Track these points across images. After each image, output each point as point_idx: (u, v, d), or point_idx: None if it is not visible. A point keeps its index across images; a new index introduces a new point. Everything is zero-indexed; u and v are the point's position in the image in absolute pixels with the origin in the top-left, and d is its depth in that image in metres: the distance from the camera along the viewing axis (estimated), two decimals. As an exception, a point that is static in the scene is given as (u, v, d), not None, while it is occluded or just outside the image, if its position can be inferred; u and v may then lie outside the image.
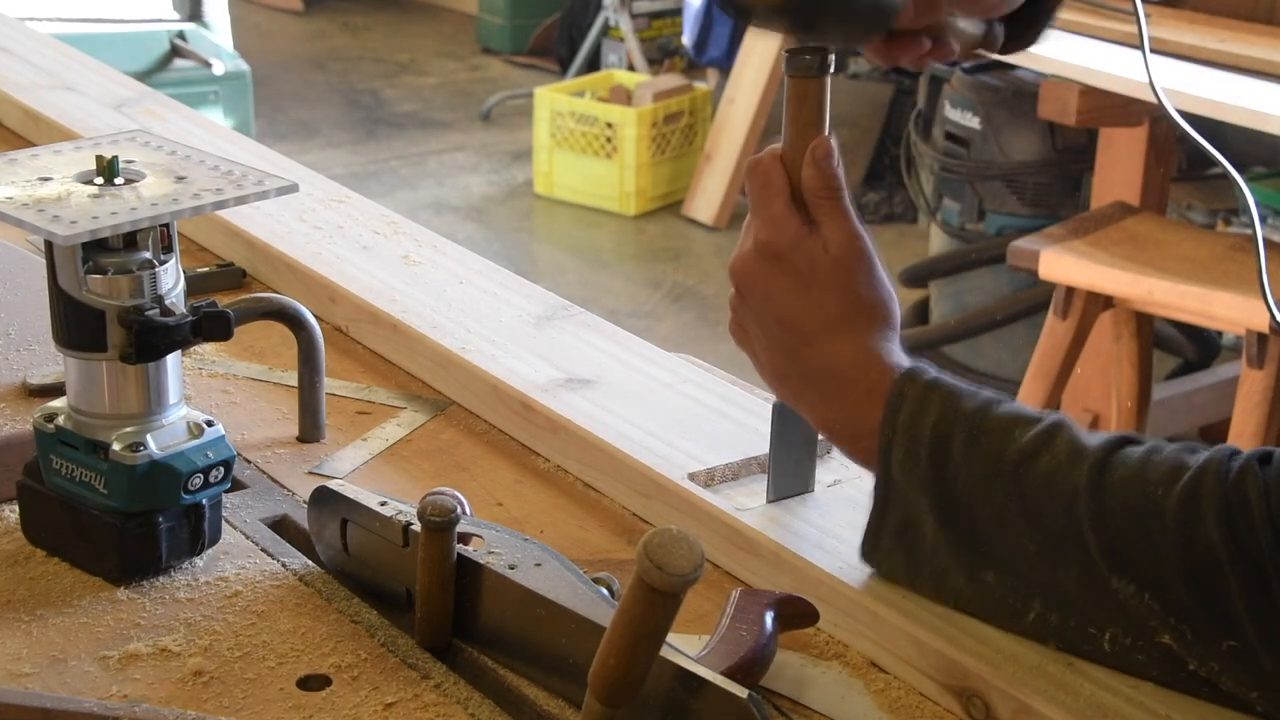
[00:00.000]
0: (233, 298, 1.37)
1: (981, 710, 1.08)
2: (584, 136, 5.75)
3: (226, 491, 1.25)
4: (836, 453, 1.36)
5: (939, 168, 4.30)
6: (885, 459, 1.13)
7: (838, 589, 1.16)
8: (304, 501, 1.26)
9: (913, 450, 1.12)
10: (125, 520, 1.19)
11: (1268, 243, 2.42)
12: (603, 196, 5.74)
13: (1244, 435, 3.15)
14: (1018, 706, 1.06)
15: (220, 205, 1.20)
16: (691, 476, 1.31)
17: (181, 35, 4.98)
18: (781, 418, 1.26)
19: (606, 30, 6.65)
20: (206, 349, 1.58)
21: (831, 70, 1.17)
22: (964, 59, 1.27)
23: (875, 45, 1.16)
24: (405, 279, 1.68)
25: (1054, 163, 4.18)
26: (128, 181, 1.20)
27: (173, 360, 1.21)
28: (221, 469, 1.22)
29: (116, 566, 1.20)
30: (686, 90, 5.90)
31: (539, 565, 1.11)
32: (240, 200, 1.21)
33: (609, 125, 5.70)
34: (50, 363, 1.51)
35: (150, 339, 1.17)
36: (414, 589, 1.13)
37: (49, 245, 1.16)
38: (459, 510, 1.10)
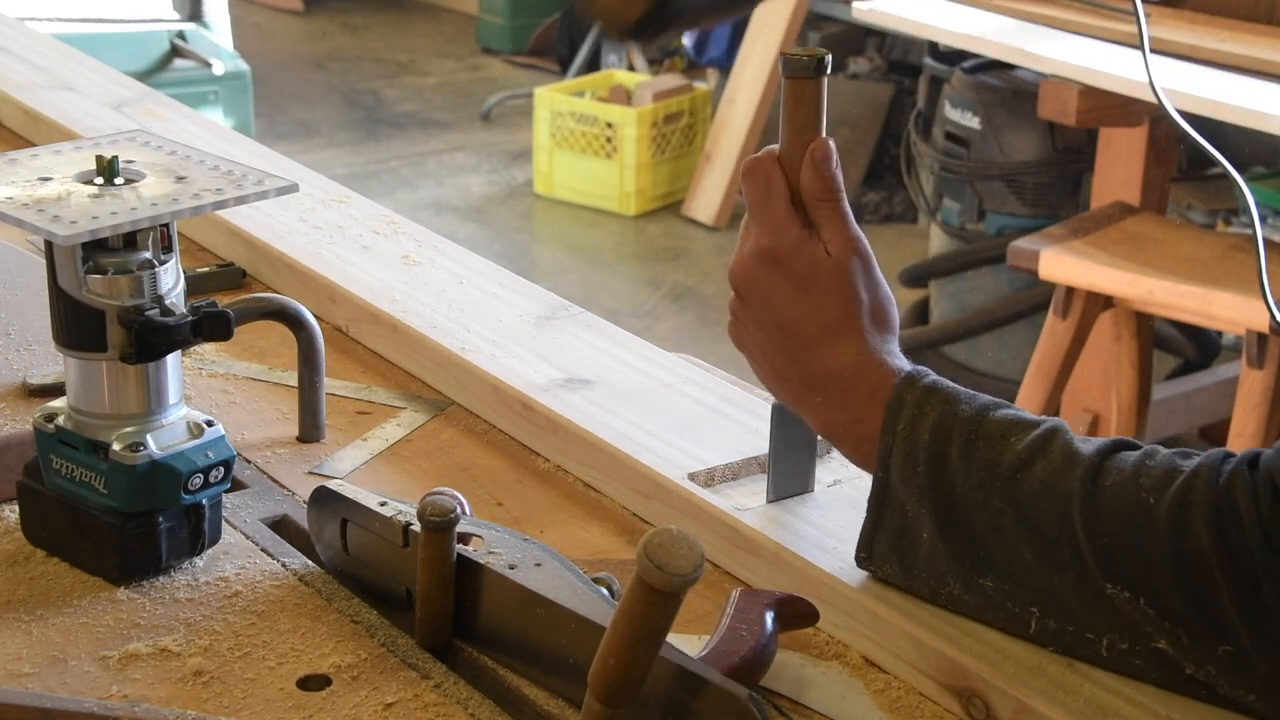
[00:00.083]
0: (233, 298, 1.37)
1: (981, 710, 1.08)
2: (584, 136, 5.75)
3: (226, 491, 1.25)
4: (836, 453, 1.35)
5: (939, 168, 4.30)
6: (884, 465, 1.14)
7: (838, 589, 1.16)
8: (304, 501, 1.26)
9: (911, 456, 1.12)
10: (125, 520, 1.19)
11: (1268, 243, 2.42)
12: (603, 196, 5.74)
13: (1244, 435, 3.15)
14: (1018, 706, 1.06)
15: (220, 205, 1.20)
16: (691, 476, 1.31)
17: (181, 35, 4.98)
18: (781, 418, 1.26)
19: (607, 30, 6.65)
20: (206, 349, 1.58)
21: (828, 71, 1.18)
22: None
23: None
24: (405, 279, 1.68)
25: (1054, 163, 4.18)
26: (128, 181, 1.20)
27: (173, 360, 1.21)
28: (221, 469, 1.22)
29: (116, 566, 1.20)
30: (686, 90, 5.90)
31: (539, 565, 1.11)
32: (240, 200, 1.21)
33: (609, 125, 5.70)
34: (50, 363, 1.51)
35: (150, 339, 1.17)
36: (414, 589, 1.13)
37: (49, 245, 1.16)
38: (459, 510, 1.10)
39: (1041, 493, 1.07)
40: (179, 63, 4.96)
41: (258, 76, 5.31)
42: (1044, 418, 1.12)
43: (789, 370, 1.18)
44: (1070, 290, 3.30)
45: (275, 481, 1.36)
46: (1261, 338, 3.11)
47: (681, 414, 1.41)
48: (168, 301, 1.19)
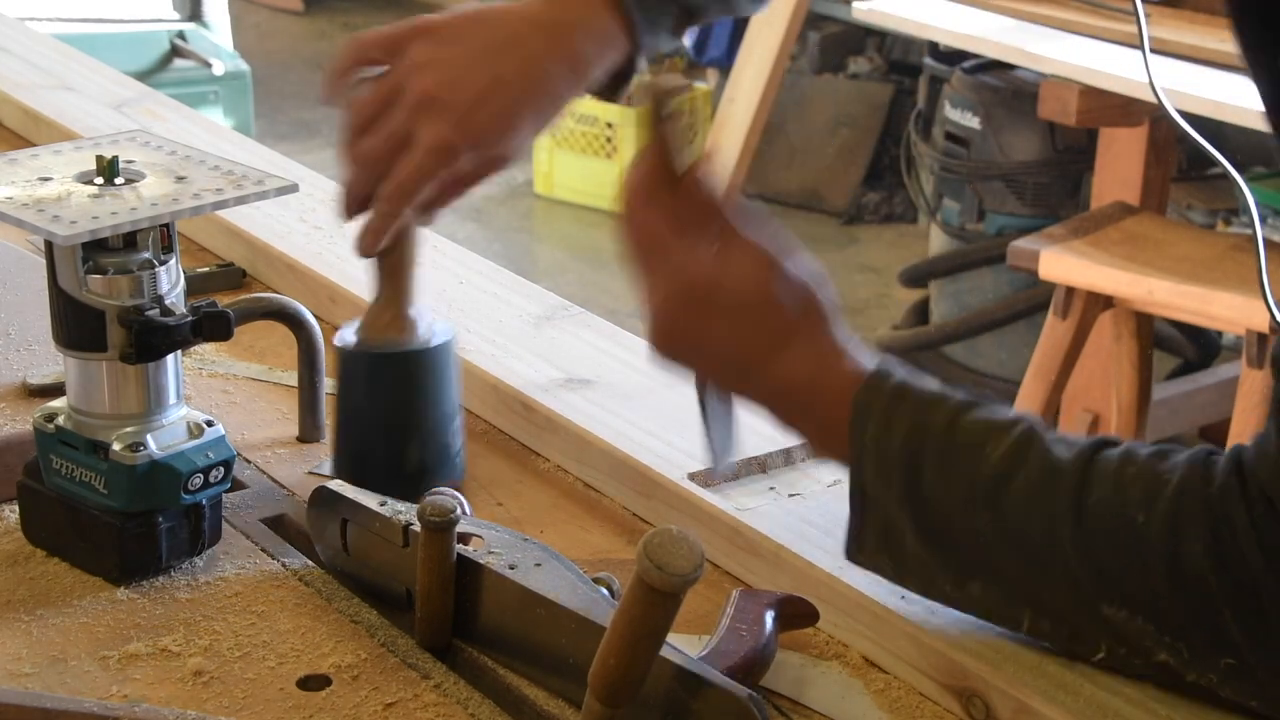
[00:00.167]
0: (233, 298, 1.37)
1: (981, 710, 1.08)
2: (584, 136, 5.75)
3: (226, 491, 1.25)
4: (836, 453, 1.36)
5: (939, 168, 4.30)
6: (858, 473, 1.10)
7: (838, 589, 1.16)
8: (304, 501, 1.26)
9: (884, 467, 1.09)
10: (125, 520, 1.19)
11: (1268, 243, 2.42)
12: (603, 196, 5.73)
13: (1244, 435, 3.14)
14: (1018, 706, 1.06)
15: (220, 205, 1.20)
16: (691, 476, 1.31)
17: (181, 35, 4.98)
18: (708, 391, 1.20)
19: (606, 30, 6.65)
20: (206, 349, 1.58)
21: (628, 93, 1.16)
22: None
23: None
24: (405, 279, 1.67)
25: (1054, 163, 4.18)
26: (128, 181, 1.20)
27: (173, 360, 1.21)
28: (221, 469, 1.21)
29: (116, 566, 1.20)
30: (686, 90, 5.90)
31: (539, 565, 1.11)
32: (240, 200, 1.21)
33: (609, 125, 5.70)
34: (50, 363, 1.51)
35: (150, 339, 1.17)
36: (414, 589, 1.13)
37: (49, 245, 1.16)
38: (459, 510, 1.10)
39: (1026, 511, 1.04)
40: (179, 63, 4.96)
41: (258, 76, 5.31)
42: (1016, 416, 1.08)
43: (749, 392, 1.15)
44: (1070, 290, 3.30)
45: (275, 481, 1.36)
46: (1261, 338, 3.10)
47: (681, 414, 1.41)
48: (168, 301, 1.19)
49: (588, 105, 5.75)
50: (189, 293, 1.23)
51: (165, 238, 1.20)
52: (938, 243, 4.44)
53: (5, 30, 2.56)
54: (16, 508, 1.26)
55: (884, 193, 5.63)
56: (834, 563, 1.18)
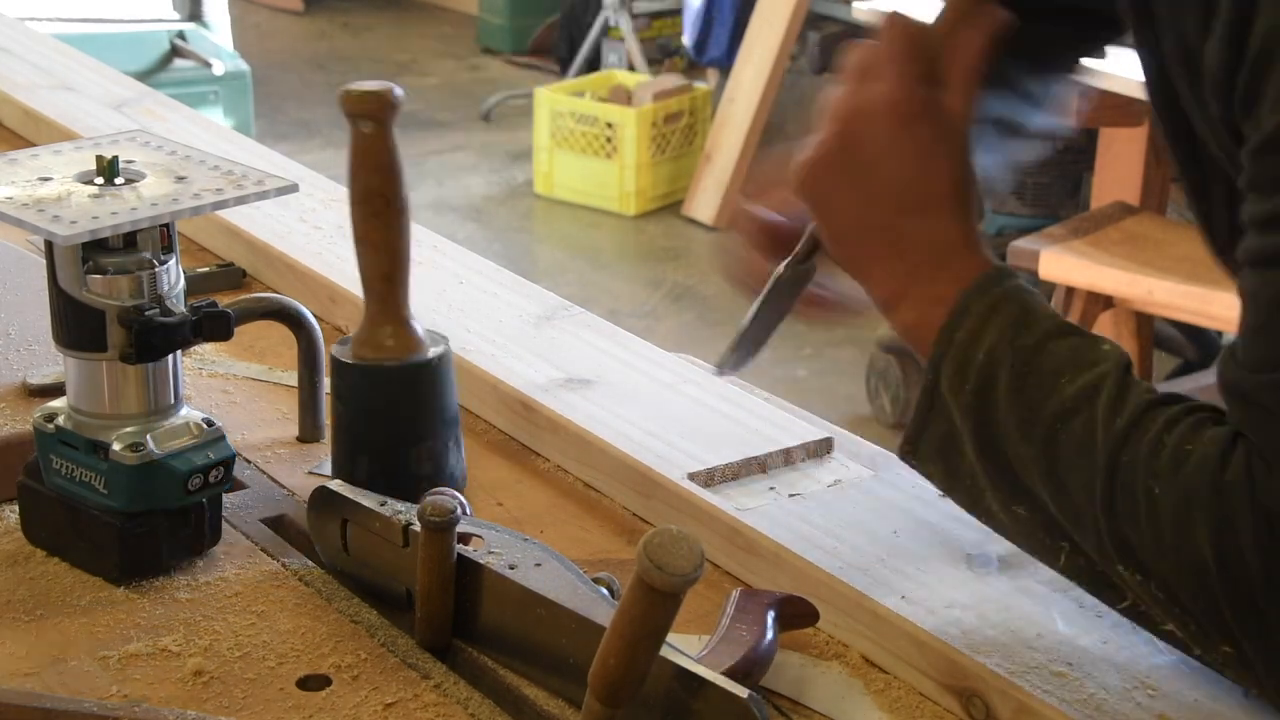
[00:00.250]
0: (233, 298, 1.37)
1: (981, 710, 1.08)
2: (584, 136, 5.75)
3: (226, 491, 1.25)
4: (837, 451, 1.36)
5: (939, 168, 4.30)
6: (935, 370, 1.09)
7: (838, 589, 1.16)
8: (304, 501, 1.26)
9: (962, 370, 1.08)
10: (125, 520, 1.19)
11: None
12: (603, 196, 5.74)
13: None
14: (1018, 706, 1.06)
15: (220, 205, 1.20)
16: (691, 476, 1.31)
17: (181, 35, 4.99)
18: (777, 294, 1.22)
19: (606, 30, 6.65)
20: (206, 349, 1.58)
21: None
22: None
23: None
24: (405, 279, 1.67)
25: (1054, 163, 4.18)
26: (128, 181, 1.20)
27: (173, 360, 1.21)
28: (221, 469, 1.22)
29: (116, 566, 1.20)
30: (686, 90, 5.90)
31: (539, 565, 1.11)
32: (240, 200, 1.21)
33: (609, 125, 5.70)
34: (50, 363, 1.51)
35: (150, 339, 1.17)
36: (414, 589, 1.13)
37: (49, 245, 1.16)
38: (459, 510, 1.10)
39: (1074, 452, 1.03)
40: (179, 63, 4.97)
41: (258, 76, 5.31)
42: (1105, 352, 1.06)
43: (879, 230, 1.13)
44: (1070, 290, 3.30)
45: (275, 481, 1.36)
46: (1261, 338, 3.10)
47: (681, 414, 1.41)
48: (168, 301, 1.19)
49: (588, 105, 5.76)
50: (189, 293, 1.23)
51: (165, 238, 1.20)
52: (938, 243, 4.43)
53: (5, 30, 2.56)
54: (16, 508, 1.26)
55: (884, 193, 5.62)
56: (834, 563, 1.19)
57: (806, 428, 1.39)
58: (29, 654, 1.12)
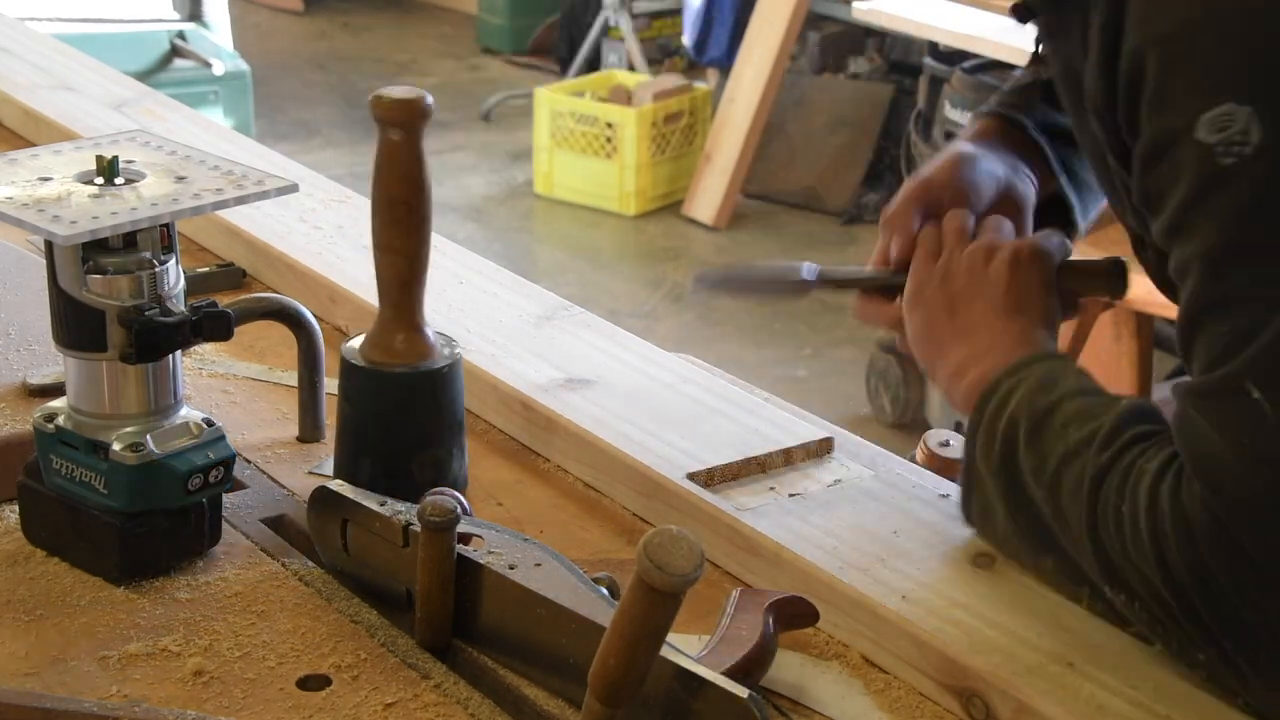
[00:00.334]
0: (233, 298, 1.37)
1: (981, 710, 1.08)
2: (584, 136, 5.75)
3: (226, 491, 1.25)
4: (837, 451, 1.36)
5: (939, 168, 4.30)
6: (970, 447, 1.18)
7: (838, 589, 1.16)
8: (304, 501, 1.26)
9: (989, 443, 1.16)
10: (125, 520, 1.19)
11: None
12: (603, 196, 5.74)
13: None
14: (1018, 706, 1.06)
15: (220, 205, 1.20)
16: (691, 476, 1.31)
17: (181, 35, 4.98)
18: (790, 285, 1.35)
19: (606, 30, 6.65)
20: (206, 349, 1.58)
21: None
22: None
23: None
24: (405, 279, 1.67)
25: (1054, 163, 4.17)
26: (128, 181, 1.20)
27: (173, 360, 1.21)
28: (221, 469, 1.22)
29: (116, 566, 1.20)
30: (686, 90, 5.90)
31: (539, 565, 1.11)
32: (240, 200, 1.21)
33: (609, 125, 5.70)
34: (50, 363, 1.51)
35: (150, 339, 1.17)
36: (414, 589, 1.13)
37: (49, 245, 1.16)
38: (459, 510, 1.10)
39: (1073, 491, 1.10)
40: (179, 63, 4.96)
41: (258, 76, 5.31)
42: (1113, 401, 1.13)
43: (951, 319, 1.24)
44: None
45: (275, 481, 1.36)
46: (1261, 338, 3.10)
47: (681, 414, 1.41)
48: (168, 301, 1.19)
49: (588, 105, 5.76)
50: (189, 293, 1.23)
51: (165, 238, 1.20)
52: (938, 243, 4.43)
53: (5, 30, 2.56)
54: (16, 508, 1.26)
55: (884, 193, 5.63)
56: (834, 563, 1.19)
57: (806, 428, 1.39)
58: (29, 654, 1.12)
